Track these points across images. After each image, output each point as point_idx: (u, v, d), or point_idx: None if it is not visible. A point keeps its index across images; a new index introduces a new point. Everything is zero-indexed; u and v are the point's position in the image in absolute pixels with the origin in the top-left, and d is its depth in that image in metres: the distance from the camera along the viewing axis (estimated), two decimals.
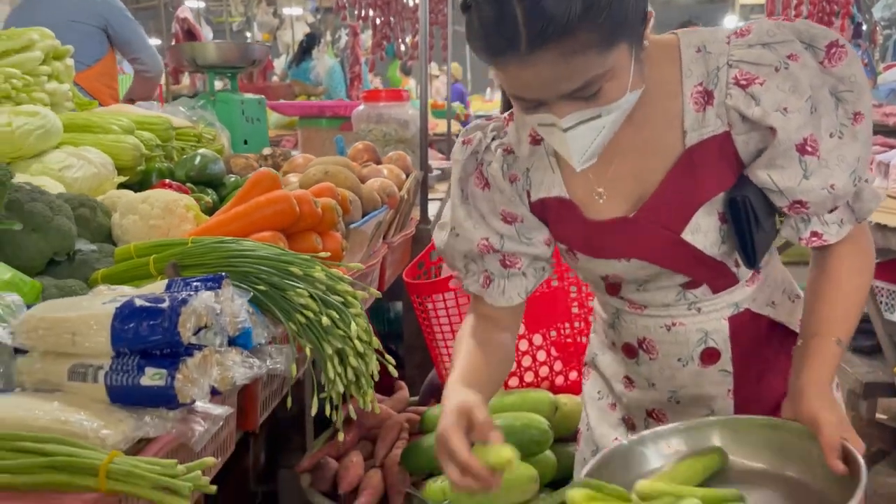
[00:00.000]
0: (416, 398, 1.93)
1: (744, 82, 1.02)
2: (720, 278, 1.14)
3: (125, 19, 2.99)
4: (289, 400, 1.10)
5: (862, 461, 0.93)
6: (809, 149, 1.01)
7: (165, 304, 0.80)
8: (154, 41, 3.69)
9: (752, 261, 1.07)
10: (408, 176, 2.15)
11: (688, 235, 1.08)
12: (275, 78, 9.08)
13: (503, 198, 1.15)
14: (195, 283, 0.94)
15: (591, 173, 1.09)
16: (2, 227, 1.00)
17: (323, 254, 1.14)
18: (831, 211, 1.06)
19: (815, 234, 1.07)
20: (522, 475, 1.49)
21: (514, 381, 1.79)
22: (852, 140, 1.02)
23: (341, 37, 9.63)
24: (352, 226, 1.55)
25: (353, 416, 1.40)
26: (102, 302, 0.83)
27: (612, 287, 1.20)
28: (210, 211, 1.55)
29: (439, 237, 1.20)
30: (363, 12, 4.41)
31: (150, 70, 3.01)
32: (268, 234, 1.21)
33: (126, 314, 0.80)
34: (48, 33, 1.98)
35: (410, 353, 2.38)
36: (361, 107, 2.79)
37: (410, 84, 9.55)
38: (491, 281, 1.18)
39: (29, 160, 1.48)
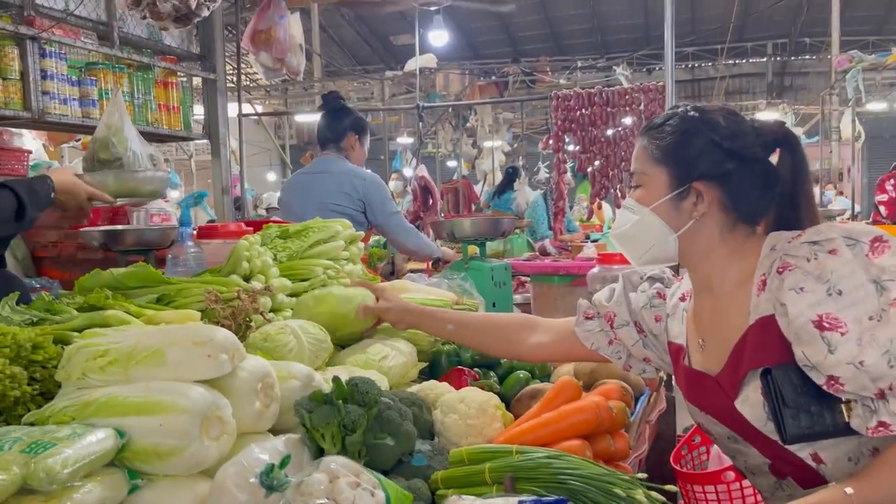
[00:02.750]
0: None
1: (781, 269, 1.23)
2: (798, 470, 1.25)
3: (382, 209, 3.36)
4: None
5: None
6: (827, 325, 1.14)
7: None
8: None
9: (782, 436, 1.20)
10: None
11: (739, 404, 1.27)
12: (483, 204, 9.65)
13: (645, 321, 1.53)
14: None
15: (697, 324, 1.41)
16: (378, 440, 1.22)
17: (640, 474, 1.25)
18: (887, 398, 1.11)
19: (882, 424, 1.12)
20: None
21: None
22: (886, 323, 1.12)
23: (539, 169, 10.12)
24: (631, 418, 1.66)
25: None
26: None
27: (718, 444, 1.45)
28: (499, 395, 1.73)
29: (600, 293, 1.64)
30: (585, 160, 4.67)
31: (404, 251, 3.36)
32: (577, 444, 1.34)
33: None
34: (348, 224, 2.35)
35: None
36: (596, 269, 2.95)
37: (605, 209, 9.72)
38: (590, 319, 1.61)
39: (356, 351, 1.75)
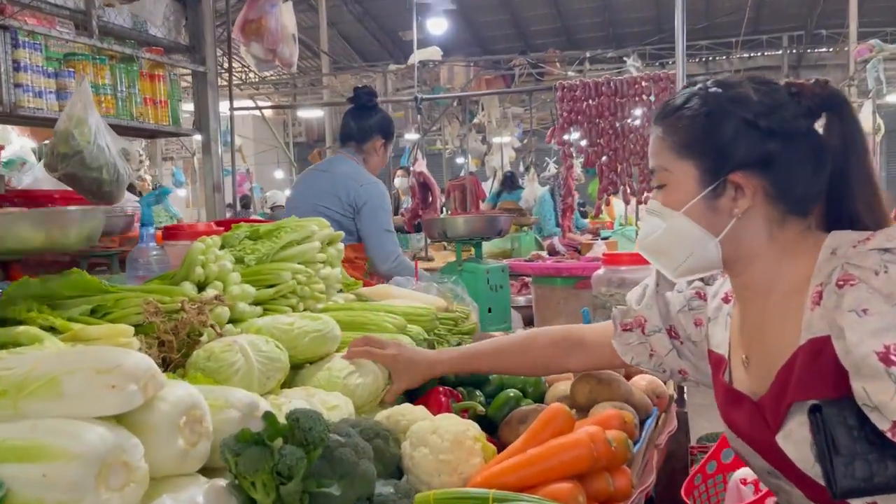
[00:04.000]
0: None
1: (841, 282, 1.00)
2: None
3: (371, 220, 2.98)
4: None
5: None
6: (895, 358, 0.92)
7: None
8: None
9: (832, 489, 0.98)
10: None
11: (780, 439, 1.07)
12: (484, 205, 9.43)
13: (682, 326, 1.33)
14: None
15: (741, 337, 1.20)
16: (323, 488, 1.00)
17: None
18: None
19: None
20: None
21: None
22: None
23: (549, 165, 9.87)
24: (635, 448, 1.43)
25: None
26: None
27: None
28: (481, 421, 1.51)
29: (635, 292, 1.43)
30: (590, 155, 4.42)
31: (375, 271, 2.98)
32: (567, 488, 1.12)
33: None
34: (325, 223, 2.13)
35: None
36: (601, 270, 2.72)
37: (616, 205, 9.45)
38: (628, 331, 1.41)
39: (319, 368, 1.54)
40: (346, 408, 1.40)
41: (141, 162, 9.58)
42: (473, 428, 1.29)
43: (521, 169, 11.45)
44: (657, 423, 1.74)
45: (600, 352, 1.47)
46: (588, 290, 2.89)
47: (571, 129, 4.44)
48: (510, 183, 8.77)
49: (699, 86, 1.16)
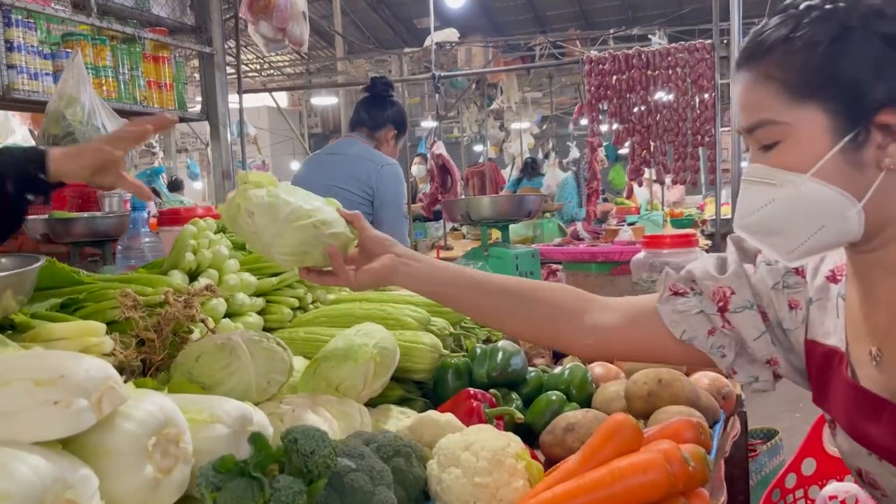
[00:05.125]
0: None
1: None
2: None
3: (393, 205, 2.84)
4: None
5: None
6: None
7: None
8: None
9: None
10: None
11: None
12: (503, 193, 9.19)
13: (773, 306, 1.05)
14: None
15: (868, 325, 0.95)
16: None
17: None
18: None
19: None
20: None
21: None
22: None
23: (570, 149, 9.58)
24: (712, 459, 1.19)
25: None
26: None
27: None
28: (517, 430, 1.28)
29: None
30: (620, 135, 4.15)
31: None
32: None
33: None
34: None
35: None
36: (642, 254, 2.47)
37: (639, 193, 9.16)
38: (681, 295, 1.09)
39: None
40: (359, 418, 1.17)
41: (154, 154, 9.44)
42: (515, 443, 1.06)
43: (541, 156, 11.18)
44: (725, 428, 1.50)
45: (634, 317, 1.13)
46: (625, 277, 2.65)
47: (600, 105, 4.16)
48: (531, 170, 8.53)
49: (808, 3, 0.87)
